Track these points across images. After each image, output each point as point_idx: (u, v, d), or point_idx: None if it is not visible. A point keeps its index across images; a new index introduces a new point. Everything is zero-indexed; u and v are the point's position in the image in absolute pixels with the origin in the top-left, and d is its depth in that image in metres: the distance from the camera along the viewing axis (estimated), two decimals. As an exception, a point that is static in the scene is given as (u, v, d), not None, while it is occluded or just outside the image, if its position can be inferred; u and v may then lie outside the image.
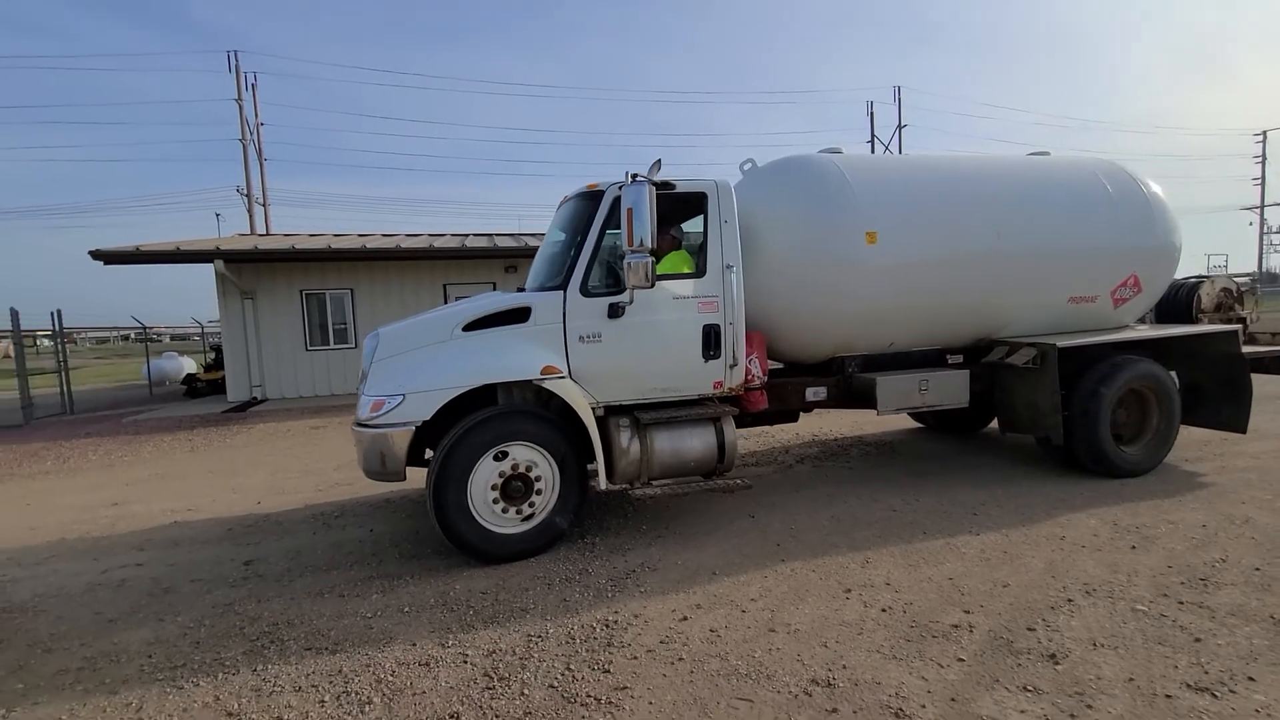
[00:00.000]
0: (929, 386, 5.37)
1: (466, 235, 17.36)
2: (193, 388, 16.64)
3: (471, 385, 4.22)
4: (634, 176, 4.20)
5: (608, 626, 3.36)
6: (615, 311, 4.43)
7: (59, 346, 15.81)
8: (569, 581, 3.93)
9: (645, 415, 4.51)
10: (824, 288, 5.08)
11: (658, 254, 4.72)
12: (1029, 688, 2.71)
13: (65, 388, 14.79)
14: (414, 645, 3.25)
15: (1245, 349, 5.88)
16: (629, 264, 4.09)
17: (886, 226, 5.10)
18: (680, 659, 3.04)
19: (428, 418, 4.16)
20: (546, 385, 4.33)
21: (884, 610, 3.42)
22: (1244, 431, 5.80)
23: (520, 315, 4.43)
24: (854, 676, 2.83)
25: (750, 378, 4.91)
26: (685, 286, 4.64)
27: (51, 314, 15.33)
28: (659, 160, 4.44)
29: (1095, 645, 3.00)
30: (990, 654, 2.97)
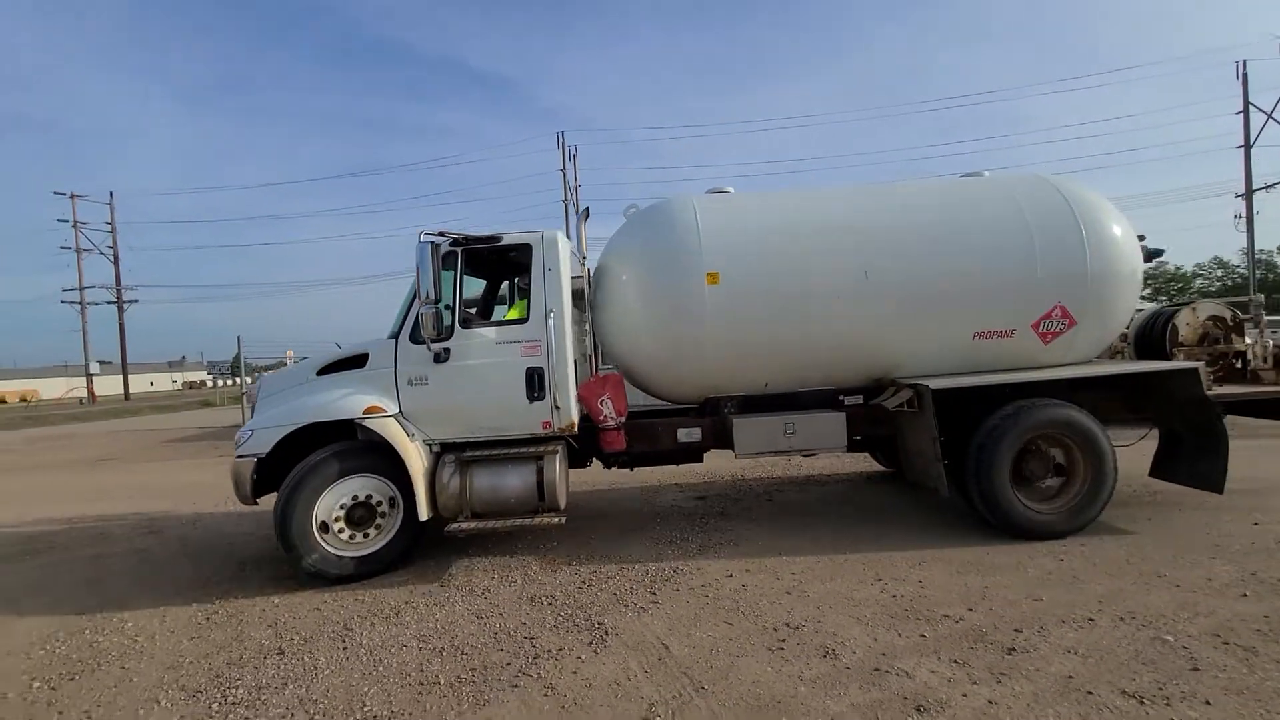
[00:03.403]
0: (796, 429, 5.16)
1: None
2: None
3: (297, 424, 4.67)
4: (431, 235, 4.58)
5: (675, 571, 4.63)
6: (439, 357, 4.75)
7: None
8: (669, 543, 5.27)
9: (468, 453, 4.80)
10: (672, 328, 5.18)
11: (506, 302, 5.39)
12: (959, 661, 3.18)
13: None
14: (552, 561, 5.01)
15: (1237, 390, 5.11)
16: (420, 315, 4.55)
17: (729, 267, 5.08)
18: (707, 596, 4.17)
19: (266, 451, 4.65)
20: (366, 424, 4.65)
21: (894, 597, 3.98)
22: (1219, 491, 4.71)
23: (360, 361, 4.89)
24: (819, 628, 3.62)
25: (602, 418, 5.08)
26: (509, 332, 4.89)
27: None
28: (586, 209, 5.37)
29: (1069, 652, 3.21)
30: (954, 638, 3.42)
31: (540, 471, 4.74)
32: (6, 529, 7.10)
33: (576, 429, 4.98)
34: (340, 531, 4.68)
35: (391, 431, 4.65)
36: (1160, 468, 5.37)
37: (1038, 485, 4.91)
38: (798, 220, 5.34)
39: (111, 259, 41.00)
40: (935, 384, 4.80)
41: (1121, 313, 5.48)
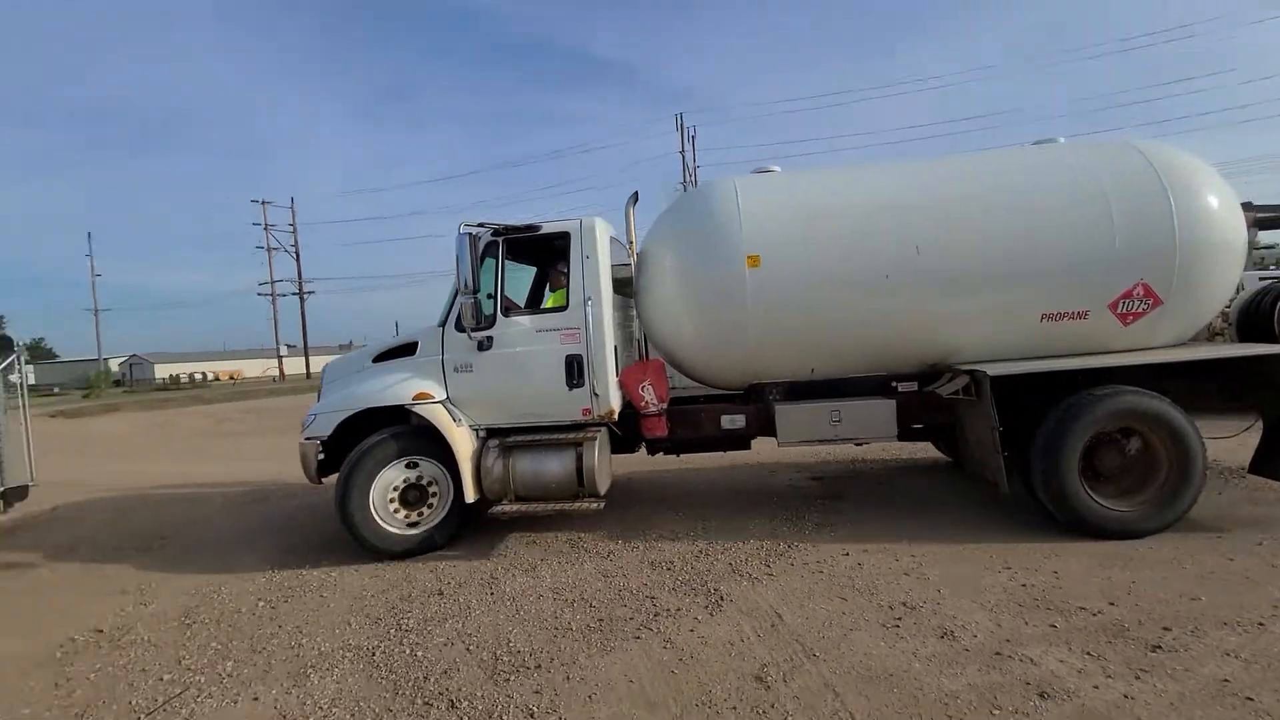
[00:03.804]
0: (842, 417, 4.95)
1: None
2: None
3: (354, 410, 5.01)
4: (471, 226, 4.77)
5: (789, 546, 4.74)
6: (482, 344, 4.96)
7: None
8: (786, 521, 5.36)
9: (511, 438, 5.00)
10: (712, 313, 5.05)
11: (552, 289, 5.40)
12: (1093, 654, 3.04)
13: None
14: (675, 531, 5.30)
15: None
16: (460, 305, 4.80)
17: (770, 248, 4.90)
18: (821, 572, 4.25)
19: (328, 434, 5.03)
20: (415, 410, 4.91)
21: (1023, 586, 3.81)
22: None
23: (411, 349, 5.15)
24: (937, 609, 3.59)
25: (644, 404, 5.10)
26: (549, 320, 5.02)
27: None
28: (635, 194, 5.27)
29: (1229, 655, 2.96)
30: (1090, 630, 3.25)
31: (580, 458, 4.88)
32: (238, 485, 8.68)
33: (616, 416, 5.09)
34: (391, 505, 4.98)
35: (439, 417, 4.90)
36: (1263, 463, 4.68)
37: (1111, 480, 4.50)
38: (843, 198, 5.14)
39: (294, 256, 47.26)
40: (993, 370, 4.48)
41: (1218, 290, 4.83)
